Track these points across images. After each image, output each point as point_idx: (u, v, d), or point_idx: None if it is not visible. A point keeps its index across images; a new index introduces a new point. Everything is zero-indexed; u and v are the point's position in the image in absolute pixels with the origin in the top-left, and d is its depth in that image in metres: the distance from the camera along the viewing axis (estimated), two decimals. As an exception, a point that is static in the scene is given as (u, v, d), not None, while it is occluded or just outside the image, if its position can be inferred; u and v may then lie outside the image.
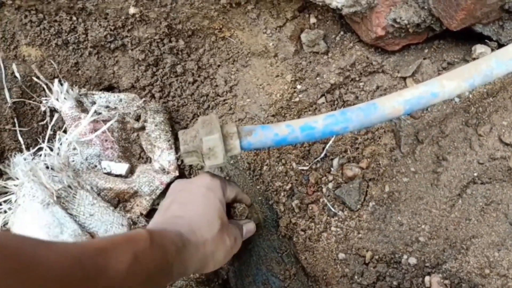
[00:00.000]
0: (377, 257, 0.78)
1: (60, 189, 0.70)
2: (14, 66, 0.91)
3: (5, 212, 0.68)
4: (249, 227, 0.77)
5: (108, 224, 0.72)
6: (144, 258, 0.43)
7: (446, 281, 0.73)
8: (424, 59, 0.85)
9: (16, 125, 0.88)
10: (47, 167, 0.74)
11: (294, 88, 0.91)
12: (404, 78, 0.87)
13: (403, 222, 0.79)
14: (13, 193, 0.68)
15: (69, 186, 0.71)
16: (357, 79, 0.91)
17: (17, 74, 0.89)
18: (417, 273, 0.75)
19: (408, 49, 0.89)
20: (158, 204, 0.89)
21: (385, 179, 0.83)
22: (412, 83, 0.86)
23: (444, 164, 0.78)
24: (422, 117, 0.82)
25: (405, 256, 0.77)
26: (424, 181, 0.80)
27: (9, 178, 0.70)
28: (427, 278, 0.75)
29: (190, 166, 0.90)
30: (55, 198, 0.67)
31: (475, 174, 0.76)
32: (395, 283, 0.76)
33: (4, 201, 0.70)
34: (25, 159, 0.69)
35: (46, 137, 0.78)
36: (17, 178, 0.68)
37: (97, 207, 0.72)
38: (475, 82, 0.66)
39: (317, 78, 0.92)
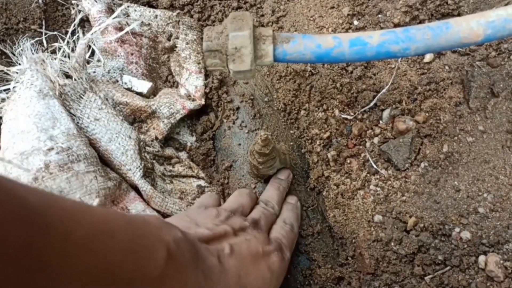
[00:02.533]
0: (422, 225, 0.64)
1: (67, 85, 0.61)
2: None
3: (3, 100, 0.61)
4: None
5: (114, 133, 0.63)
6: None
7: (508, 263, 0.58)
8: (515, -1, 0.70)
9: (43, 27, 0.81)
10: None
11: (350, 23, 0.79)
12: (486, 22, 0.71)
13: (460, 188, 0.65)
14: (12, 80, 0.60)
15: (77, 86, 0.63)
16: (427, 20, 0.76)
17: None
18: (470, 250, 0.61)
19: (495, -11, 0.74)
20: (178, 132, 0.80)
21: (444, 137, 0.69)
22: (496, 27, 0.70)
23: (524, 123, 0.63)
24: (501, 65, 0.67)
25: (457, 229, 0.63)
26: (493, 142, 0.65)
27: (12, 64, 0.63)
28: (481, 258, 0.60)
29: (218, 97, 0.80)
30: (56, 92, 0.59)
31: None
32: (440, 257, 0.62)
33: (5, 90, 0.62)
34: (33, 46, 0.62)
35: (67, 37, 0.70)
36: (20, 64, 0.61)
37: (104, 113, 0.63)
38: None
39: (379, 16, 0.78)
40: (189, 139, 0.80)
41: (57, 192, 0.53)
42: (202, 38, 0.77)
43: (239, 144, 0.78)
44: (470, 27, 0.51)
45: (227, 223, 0.51)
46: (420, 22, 0.77)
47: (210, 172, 0.79)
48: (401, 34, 0.53)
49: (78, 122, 0.62)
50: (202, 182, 0.75)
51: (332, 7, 0.80)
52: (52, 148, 0.55)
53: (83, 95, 0.64)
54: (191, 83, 0.78)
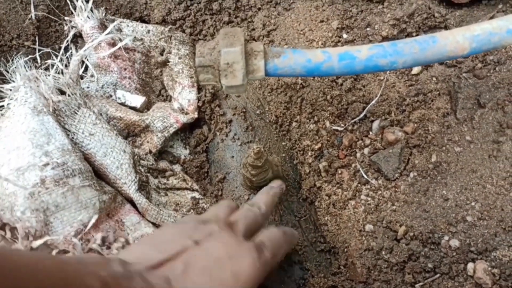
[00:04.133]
0: (411, 234, 0.66)
1: (61, 101, 0.62)
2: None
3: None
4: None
5: (108, 147, 0.64)
6: None
7: (495, 270, 0.59)
8: (497, 12, 0.72)
9: (36, 43, 0.82)
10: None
11: (339, 37, 0.80)
12: (471, 35, 0.74)
13: (448, 197, 0.66)
14: (6, 98, 0.61)
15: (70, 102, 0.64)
16: (414, 34, 0.78)
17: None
18: (459, 257, 0.62)
19: (478, 3, 0.76)
20: (172, 145, 0.81)
21: (432, 147, 0.71)
22: (480, 40, 0.72)
23: (508, 133, 0.65)
24: (487, 77, 0.69)
25: (446, 237, 0.64)
26: (480, 152, 0.67)
27: (6, 81, 0.64)
28: (470, 265, 0.61)
29: (211, 110, 0.82)
30: (50, 109, 0.60)
31: (547, 150, 0.63)
32: (430, 265, 0.63)
33: (-1, 107, 0.63)
34: (27, 64, 0.63)
35: (60, 54, 0.71)
36: (13, 81, 0.62)
37: (99, 127, 0.64)
38: None
39: (367, 29, 0.80)
40: (182, 152, 0.81)
41: (53, 207, 0.54)
42: (194, 53, 0.79)
43: (232, 157, 0.80)
44: (456, 40, 0.53)
45: (190, 236, 0.47)
46: (407, 35, 0.79)
47: (204, 184, 0.80)
48: (389, 48, 0.54)
49: (72, 138, 0.63)
50: (196, 194, 0.76)
51: (322, 21, 0.81)
52: (48, 164, 0.56)
53: (78, 111, 0.65)
54: (184, 97, 0.79)
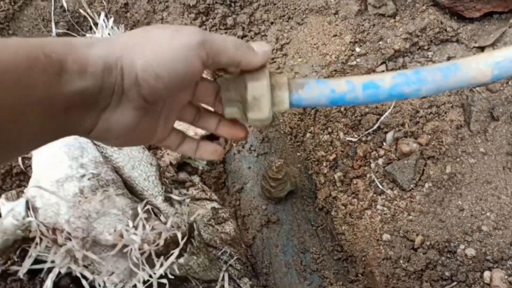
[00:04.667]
0: (428, 243, 0.68)
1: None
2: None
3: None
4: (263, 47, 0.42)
5: (136, 160, 0.66)
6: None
7: (512, 279, 0.61)
8: (509, 27, 0.74)
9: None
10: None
11: (352, 50, 0.83)
12: (482, 48, 0.76)
13: (464, 208, 0.68)
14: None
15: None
16: (426, 47, 0.81)
17: (64, 4, 0.86)
18: (475, 266, 0.64)
19: (489, 17, 0.78)
20: (190, 157, 0.83)
21: (447, 159, 0.73)
22: (491, 54, 0.75)
23: (522, 145, 0.67)
24: (500, 91, 0.71)
25: (462, 246, 0.66)
26: (494, 163, 0.69)
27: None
28: (487, 273, 0.63)
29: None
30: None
31: (560, 161, 0.65)
32: (447, 273, 0.65)
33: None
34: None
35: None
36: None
37: (125, 141, 0.66)
38: None
39: (380, 42, 0.82)
40: (200, 163, 0.83)
41: (94, 213, 0.57)
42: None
43: (249, 167, 0.81)
44: (479, 68, 0.53)
45: None
46: (419, 48, 0.81)
47: (221, 194, 0.82)
48: (412, 76, 0.52)
49: (102, 152, 0.65)
50: (215, 204, 0.78)
51: (335, 35, 0.84)
52: (84, 175, 0.58)
53: (103, 125, 0.66)
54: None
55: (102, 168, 0.61)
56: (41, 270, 0.69)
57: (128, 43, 0.35)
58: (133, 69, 0.34)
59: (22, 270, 0.55)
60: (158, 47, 0.35)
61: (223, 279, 0.68)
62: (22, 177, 0.78)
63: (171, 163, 0.78)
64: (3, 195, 0.67)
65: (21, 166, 0.75)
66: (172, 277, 0.57)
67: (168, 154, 0.78)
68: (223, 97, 0.47)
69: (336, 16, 0.84)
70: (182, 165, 0.82)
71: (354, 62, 0.82)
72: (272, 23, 0.90)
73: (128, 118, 0.36)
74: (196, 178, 0.81)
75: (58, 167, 0.58)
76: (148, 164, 0.67)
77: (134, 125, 0.38)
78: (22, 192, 0.71)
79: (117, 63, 0.34)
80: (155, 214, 0.66)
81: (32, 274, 0.67)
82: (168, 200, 0.70)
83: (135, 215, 0.63)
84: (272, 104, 0.48)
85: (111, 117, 0.36)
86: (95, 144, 0.63)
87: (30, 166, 0.77)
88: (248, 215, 0.79)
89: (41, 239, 0.54)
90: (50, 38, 0.34)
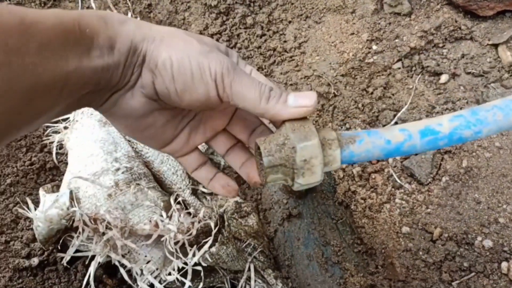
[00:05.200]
0: (446, 235, 0.70)
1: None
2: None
3: (65, 128, 0.67)
4: (301, 92, 0.40)
5: (165, 155, 0.69)
6: None
7: (529, 268, 0.64)
8: (523, 26, 0.77)
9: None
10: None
11: (369, 48, 0.85)
12: (496, 46, 0.78)
13: (480, 200, 0.71)
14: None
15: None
16: (441, 45, 0.83)
17: (93, 5, 0.89)
18: (493, 257, 0.67)
19: (502, 15, 0.81)
20: (212, 152, 0.85)
21: (463, 153, 0.75)
22: (505, 51, 0.77)
23: (537, 139, 0.69)
24: (515, 86, 0.74)
25: (479, 238, 0.69)
26: (510, 157, 0.71)
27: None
28: (504, 264, 0.66)
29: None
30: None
31: None
32: (465, 264, 0.67)
33: (63, 119, 0.68)
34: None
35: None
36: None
37: (154, 137, 0.69)
38: None
39: (396, 40, 0.85)
40: (222, 159, 0.85)
41: (129, 205, 0.59)
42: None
43: (270, 162, 0.84)
44: None
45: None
46: (434, 46, 0.83)
47: (242, 189, 0.84)
48: (471, 118, 0.47)
49: (133, 147, 0.68)
50: (238, 198, 0.80)
51: (352, 33, 0.86)
52: (119, 169, 0.61)
53: (134, 122, 0.69)
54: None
55: (134, 162, 0.64)
56: (75, 261, 0.72)
57: (160, 31, 0.35)
58: (155, 57, 0.34)
59: (66, 258, 0.58)
60: (185, 55, 0.34)
61: (249, 270, 0.71)
62: (55, 172, 0.81)
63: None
64: (41, 188, 0.70)
65: (55, 161, 0.78)
66: (205, 265, 0.60)
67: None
68: (267, 163, 0.40)
69: (353, 14, 0.87)
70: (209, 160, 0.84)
71: (371, 60, 0.85)
72: (290, 22, 0.92)
73: (136, 103, 0.36)
74: (218, 173, 0.84)
75: (94, 161, 0.61)
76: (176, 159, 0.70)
77: (142, 114, 0.37)
78: (57, 186, 0.74)
79: (143, 45, 0.34)
80: (185, 206, 0.69)
81: (68, 264, 0.71)
82: (194, 193, 0.73)
83: (166, 207, 0.66)
84: (324, 164, 0.42)
85: (123, 96, 0.36)
86: (126, 140, 0.66)
87: (62, 161, 0.80)
88: (270, 209, 0.82)
89: (83, 229, 0.57)
90: (86, 11, 0.33)
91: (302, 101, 0.37)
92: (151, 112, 0.37)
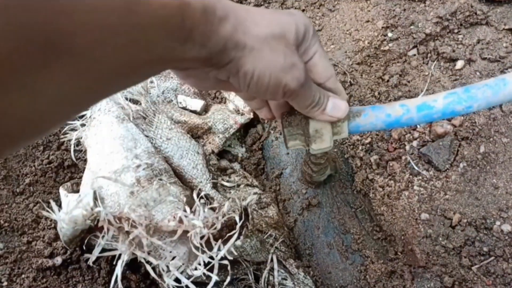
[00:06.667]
0: (465, 220, 0.71)
1: (139, 110, 0.68)
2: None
3: (83, 126, 0.67)
4: (338, 102, 0.46)
5: (184, 150, 0.70)
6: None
7: (549, 252, 0.64)
8: (540, 9, 0.76)
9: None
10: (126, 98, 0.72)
11: (385, 35, 0.85)
12: (513, 30, 0.78)
13: (498, 186, 0.71)
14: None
15: (147, 110, 0.69)
16: (456, 30, 0.82)
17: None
18: (511, 241, 0.68)
19: (519, -1, 0.80)
20: (230, 145, 0.86)
21: (480, 139, 0.75)
22: (523, 35, 0.77)
23: (556, 124, 0.69)
24: (533, 71, 0.73)
25: (498, 222, 0.69)
26: (529, 142, 0.72)
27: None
28: (524, 248, 0.66)
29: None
30: (131, 118, 0.66)
31: None
32: (485, 249, 0.68)
33: (80, 116, 0.68)
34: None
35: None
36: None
37: (174, 132, 0.70)
38: None
39: (411, 27, 0.84)
40: (240, 150, 0.86)
41: (152, 202, 0.60)
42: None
43: (287, 153, 0.85)
44: None
45: None
46: (450, 32, 0.83)
47: (261, 180, 0.85)
48: (463, 94, 0.54)
49: (152, 143, 0.68)
50: (257, 190, 0.81)
51: (367, 21, 0.86)
52: (139, 165, 0.62)
53: (154, 117, 0.70)
54: (239, 100, 0.84)
55: (155, 158, 0.64)
56: (98, 258, 0.73)
57: (255, 36, 0.36)
58: (239, 66, 0.36)
59: (92, 258, 0.59)
60: (267, 70, 0.37)
61: (271, 261, 0.72)
62: (73, 169, 0.82)
63: (213, 151, 0.81)
64: (61, 188, 0.71)
65: (73, 158, 0.78)
66: (231, 258, 0.61)
67: (209, 143, 0.81)
68: (286, 132, 0.50)
69: (368, 2, 0.86)
70: (222, 152, 0.85)
71: (387, 47, 0.84)
72: (303, 10, 0.92)
73: (207, 77, 0.39)
74: (236, 165, 0.85)
75: (115, 158, 0.61)
76: (195, 153, 0.71)
77: (207, 82, 0.40)
78: (77, 183, 0.75)
79: (233, 52, 0.35)
80: (207, 200, 0.70)
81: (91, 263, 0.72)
82: (215, 187, 0.74)
83: (188, 202, 0.67)
84: (333, 134, 0.51)
85: (198, 74, 0.39)
86: (145, 135, 0.67)
87: (80, 158, 0.81)
88: (289, 199, 0.83)
89: (108, 228, 0.58)
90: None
91: (336, 113, 0.46)
92: (218, 82, 0.40)
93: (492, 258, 0.68)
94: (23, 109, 0.24)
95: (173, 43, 0.31)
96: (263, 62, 0.37)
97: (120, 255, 0.59)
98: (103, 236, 0.58)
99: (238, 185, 0.82)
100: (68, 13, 0.24)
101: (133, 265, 0.73)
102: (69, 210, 0.57)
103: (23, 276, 0.71)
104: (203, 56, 0.34)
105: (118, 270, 0.58)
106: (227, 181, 0.79)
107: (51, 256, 0.74)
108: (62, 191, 0.68)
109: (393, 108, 0.53)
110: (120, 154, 0.62)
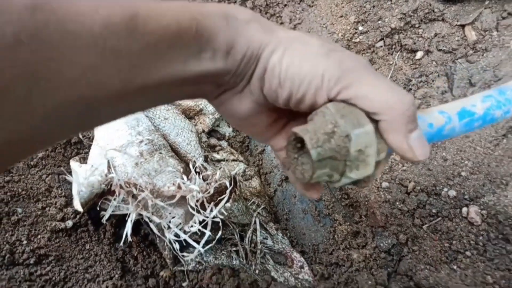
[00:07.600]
0: (418, 188, 0.84)
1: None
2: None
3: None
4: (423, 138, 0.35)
5: (179, 128, 0.81)
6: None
7: (483, 212, 0.78)
8: (485, 8, 0.88)
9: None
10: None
11: (356, 29, 0.96)
12: (463, 26, 0.90)
13: (447, 158, 0.85)
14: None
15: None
16: (417, 25, 0.94)
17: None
18: (456, 204, 0.81)
19: (469, 0, 0.92)
20: (218, 125, 0.97)
21: (433, 120, 0.88)
22: (471, 30, 0.89)
23: (494, 106, 0.82)
24: (477, 61, 0.86)
25: (445, 189, 0.83)
26: (472, 122, 0.85)
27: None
28: (464, 209, 0.80)
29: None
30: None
31: (524, 119, 0.80)
32: (434, 211, 0.82)
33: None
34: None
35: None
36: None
37: (171, 113, 0.81)
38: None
39: (379, 22, 0.96)
40: (227, 130, 0.98)
41: (153, 172, 0.72)
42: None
43: (269, 132, 0.96)
44: None
45: None
46: (412, 27, 0.95)
47: (245, 156, 0.97)
48: (499, 97, 0.46)
49: (152, 122, 0.79)
50: (242, 164, 0.93)
51: (341, 16, 0.97)
52: (142, 141, 0.73)
53: (153, 100, 0.81)
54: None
55: (155, 135, 0.75)
56: (102, 224, 0.84)
57: (280, 37, 0.32)
58: (265, 64, 0.32)
59: (106, 216, 0.71)
60: (296, 58, 0.32)
61: (255, 223, 0.84)
62: (79, 146, 0.92)
63: (203, 130, 0.92)
64: (72, 160, 0.81)
65: (80, 136, 0.89)
66: (221, 217, 0.73)
67: (201, 123, 0.93)
68: (315, 156, 0.33)
69: (341, -1, 0.97)
70: (211, 132, 0.97)
71: (358, 39, 0.96)
72: (285, 5, 1.02)
73: (244, 106, 0.35)
74: (224, 143, 0.96)
75: (121, 135, 0.72)
76: (189, 131, 0.82)
77: (248, 115, 0.36)
78: (83, 158, 0.85)
79: (258, 53, 0.32)
80: (200, 171, 0.82)
81: (96, 225, 0.83)
82: (206, 160, 0.85)
83: (184, 172, 0.78)
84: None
85: (231, 99, 0.35)
86: (147, 116, 0.78)
87: (84, 136, 0.92)
88: (270, 173, 0.95)
89: (119, 192, 0.69)
90: (211, 7, 0.30)
91: (421, 151, 0.34)
92: (258, 114, 0.36)
93: (439, 218, 0.82)
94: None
95: (185, 57, 0.29)
96: (294, 53, 0.32)
97: (129, 214, 0.70)
98: (115, 199, 0.69)
99: (226, 160, 0.93)
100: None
101: (134, 227, 0.84)
102: (87, 176, 0.68)
103: (39, 236, 0.82)
104: (228, 67, 0.31)
105: (128, 227, 0.69)
106: (215, 157, 0.90)
107: (63, 220, 0.85)
108: (74, 163, 0.78)
109: (434, 117, 0.41)
110: (125, 131, 0.73)
